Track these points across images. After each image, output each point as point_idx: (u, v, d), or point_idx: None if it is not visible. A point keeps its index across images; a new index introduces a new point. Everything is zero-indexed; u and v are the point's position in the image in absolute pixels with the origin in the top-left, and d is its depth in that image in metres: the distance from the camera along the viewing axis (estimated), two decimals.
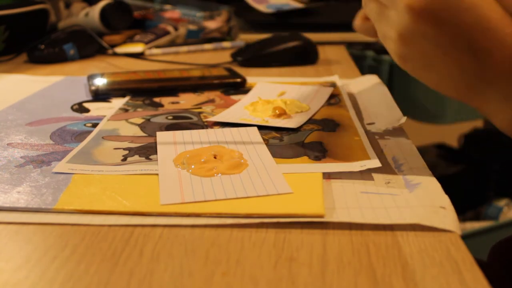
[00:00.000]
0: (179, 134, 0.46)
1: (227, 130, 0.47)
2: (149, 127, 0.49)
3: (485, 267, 0.27)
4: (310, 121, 0.50)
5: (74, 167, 0.39)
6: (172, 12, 1.04)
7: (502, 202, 1.33)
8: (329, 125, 0.48)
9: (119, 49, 0.88)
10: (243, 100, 0.57)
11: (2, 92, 0.64)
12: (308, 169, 0.38)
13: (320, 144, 0.43)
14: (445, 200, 0.33)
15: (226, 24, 1.04)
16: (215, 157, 0.40)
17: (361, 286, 0.25)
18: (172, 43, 0.96)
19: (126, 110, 0.54)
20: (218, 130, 0.47)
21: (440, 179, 0.36)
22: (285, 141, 0.44)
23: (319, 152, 0.42)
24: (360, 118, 0.51)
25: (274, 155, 0.41)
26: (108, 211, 0.32)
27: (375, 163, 0.38)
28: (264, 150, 0.42)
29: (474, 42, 0.33)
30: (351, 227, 0.31)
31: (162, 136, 0.45)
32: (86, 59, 0.84)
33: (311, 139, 0.45)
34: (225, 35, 1.03)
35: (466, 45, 0.33)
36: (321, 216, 0.31)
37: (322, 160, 0.40)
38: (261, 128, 0.47)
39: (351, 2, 1.15)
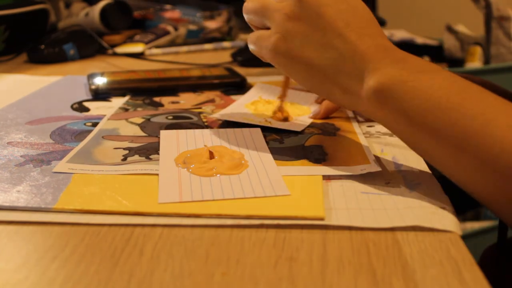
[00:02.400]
0: (182, 133, 0.46)
1: (230, 130, 0.46)
2: (149, 127, 0.49)
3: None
4: (310, 124, 0.50)
5: (74, 167, 0.39)
6: (172, 12, 1.04)
7: None
8: (329, 129, 0.48)
9: (119, 49, 0.88)
10: (241, 100, 0.57)
11: (2, 92, 0.64)
12: (308, 172, 0.38)
13: (321, 147, 0.43)
14: (445, 200, 0.33)
15: (226, 24, 1.04)
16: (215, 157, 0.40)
17: (361, 286, 0.25)
18: (172, 43, 0.96)
19: (126, 110, 0.54)
20: (221, 131, 0.47)
21: (440, 179, 0.36)
22: (286, 144, 0.44)
23: (319, 155, 0.41)
24: (360, 120, 0.51)
25: (274, 157, 0.41)
26: (108, 211, 0.32)
27: (375, 167, 0.38)
28: (266, 152, 0.42)
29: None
30: (351, 227, 0.31)
31: (165, 135, 0.45)
32: (86, 59, 0.84)
33: (311, 142, 0.45)
34: (225, 35, 1.03)
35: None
36: (321, 219, 0.31)
37: (322, 163, 0.40)
38: (263, 129, 0.47)
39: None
